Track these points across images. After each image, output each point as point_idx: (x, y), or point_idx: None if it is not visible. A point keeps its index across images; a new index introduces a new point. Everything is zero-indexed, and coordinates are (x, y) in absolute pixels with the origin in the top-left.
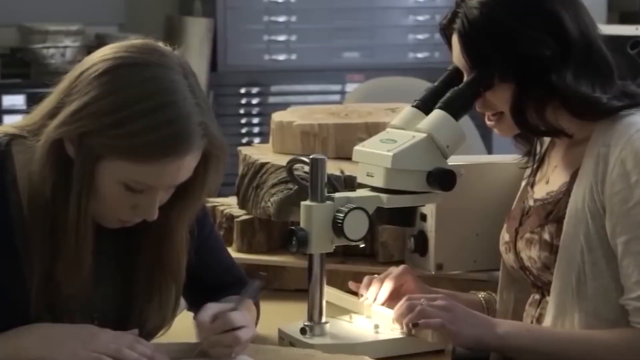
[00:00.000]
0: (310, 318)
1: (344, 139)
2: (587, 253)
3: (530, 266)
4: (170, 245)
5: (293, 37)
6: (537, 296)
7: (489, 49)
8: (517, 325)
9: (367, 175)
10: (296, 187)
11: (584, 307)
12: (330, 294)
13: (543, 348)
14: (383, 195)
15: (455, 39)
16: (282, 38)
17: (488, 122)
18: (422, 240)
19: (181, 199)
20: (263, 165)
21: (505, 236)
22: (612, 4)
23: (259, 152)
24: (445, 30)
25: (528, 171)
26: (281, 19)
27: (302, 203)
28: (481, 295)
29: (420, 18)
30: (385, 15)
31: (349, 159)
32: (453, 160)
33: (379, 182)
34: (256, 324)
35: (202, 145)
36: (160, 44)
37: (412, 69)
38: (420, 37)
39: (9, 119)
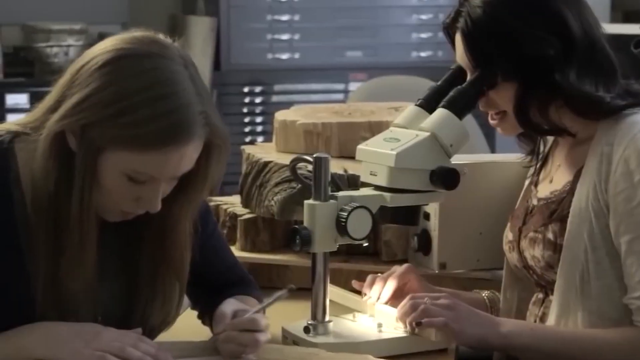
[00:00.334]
0: (313, 317)
1: (347, 138)
2: (591, 252)
3: (534, 265)
4: (174, 238)
5: (296, 36)
6: (541, 295)
7: (492, 48)
8: (520, 325)
9: (371, 174)
10: (299, 186)
11: (588, 306)
12: (334, 292)
13: (546, 347)
14: (386, 194)
15: (458, 38)
16: (285, 37)
17: (491, 121)
18: (425, 239)
19: (184, 191)
20: (266, 164)
21: (508, 235)
22: (616, 3)
23: (262, 151)
24: (449, 30)
25: (531, 170)
26: (284, 17)
27: (306, 202)
28: (484, 294)
29: (424, 17)
30: (389, 14)
31: (352, 157)
32: (456, 159)
33: (382, 181)
34: None
35: (203, 134)
36: (161, 36)
37: (416, 68)
38: (423, 36)
39: (12, 118)
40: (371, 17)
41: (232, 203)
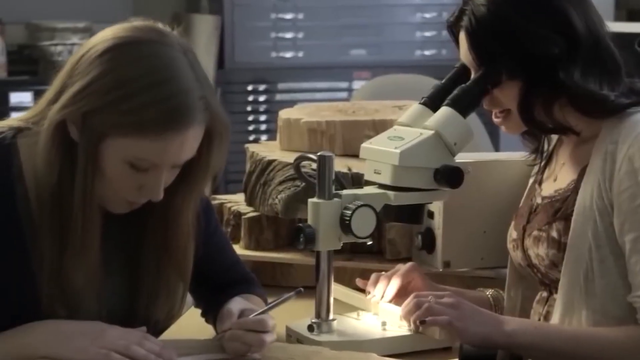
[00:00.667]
0: (317, 315)
1: (351, 137)
2: (595, 250)
3: (538, 264)
4: (176, 229)
5: (300, 35)
6: (545, 294)
7: (497, 47)
8: (524, 323)
9: (375, 173)
10: (303, 184)
11: (592, 305)
12: (338, 291)
13: (550, 345)
14: (390, 193)
15: (462, 37)
16: (289, 35)
17: (495, 120)
18: (429, 238)
19: (185, 181)
20: (270, 162)
21: (512, 233)
22: (620, 2)
23: (266, 150)
24: (453, 28)
25: (536, 168)
26: (288, 16)
27: (310, 200)
28: (488, 292)
29: (428, 15)
30: (393, 13)
31: (356, 156)
32: (460, 158)
33: (386, 179)
34: None
35: (203, 120)
36: (160, 24)
37: (420, 67)
38: (427, 34)
39: (16, 116)
40: (375, 15)
41: (236, 201)
